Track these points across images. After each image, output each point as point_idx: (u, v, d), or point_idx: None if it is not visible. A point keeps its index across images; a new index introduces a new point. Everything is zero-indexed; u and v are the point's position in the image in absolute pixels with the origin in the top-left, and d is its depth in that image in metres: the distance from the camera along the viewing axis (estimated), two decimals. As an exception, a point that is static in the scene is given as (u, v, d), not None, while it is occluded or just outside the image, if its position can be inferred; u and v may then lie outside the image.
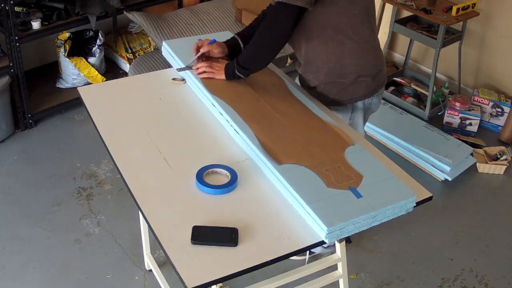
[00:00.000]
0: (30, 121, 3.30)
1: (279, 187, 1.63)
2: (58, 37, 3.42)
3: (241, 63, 1.96)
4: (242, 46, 2.10)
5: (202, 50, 2.08)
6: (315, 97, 2.05)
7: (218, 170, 1.67)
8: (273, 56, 1.95)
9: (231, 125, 1.83)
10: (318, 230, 1.48)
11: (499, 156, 3.28)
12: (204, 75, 2.01)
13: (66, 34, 3.40)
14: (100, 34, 3.50)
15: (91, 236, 2.64)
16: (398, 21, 3.71)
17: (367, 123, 3.42)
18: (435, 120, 3.61)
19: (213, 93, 1.95)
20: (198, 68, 2.03)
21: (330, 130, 1.84)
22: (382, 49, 3.86)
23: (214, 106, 1.92)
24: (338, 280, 2.07)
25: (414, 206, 1.61)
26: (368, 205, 1.52)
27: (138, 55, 3.72)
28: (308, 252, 2.37)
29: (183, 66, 2.11)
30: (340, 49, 1.95)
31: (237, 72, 1.97)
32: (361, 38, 1.96)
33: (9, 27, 2.99)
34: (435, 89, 3.62)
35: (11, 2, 2.91)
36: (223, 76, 2.00)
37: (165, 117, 1.93)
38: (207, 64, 2.02)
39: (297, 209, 1.56)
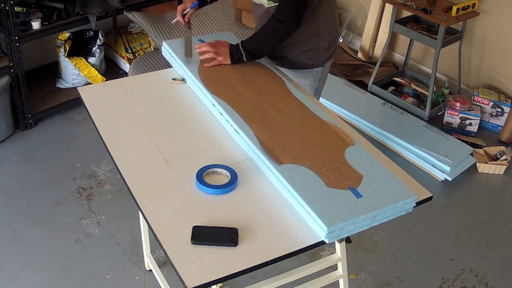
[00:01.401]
0: (30, 121, 3.30)
1: (279, 187, 1.63)
2: (58, 37, 3.42)
3: (251, 51, 2.11)
4: None
5: (183, 14, 2.26)
6: (286, 64, 2.28)
7: (218, 170, 1.67)
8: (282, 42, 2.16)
9: (231, 125, 1.83)
10: (318, 230, 1.48)
11: (499, 156, 3.28)
12: (212, 63, 2.09)
13: (66, 34, 3.40)
14: (100, 34, 3.50)
15: (91, 236, 2.64)
16: (398, 21, 3.71)
17: (367, 123, 3.44)
18: (435, 120, 3.61)
19: (213, 93, 1.95)
20: (203, 55, 2.12)
21: (330, 130, 1.84)
22: (382, 49, 3.89)
23: (214, 106, 1.92)
24: (338, 280, 2.07)
25: (414, 206, 1.61)
26: (368, 205, 1.52)
27: (138, 55, 3.72)
28: None
29: (182, 64, 2.11)
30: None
31: (244, 59, 2.11)
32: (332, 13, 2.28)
33: (9, 27, 2.99)
34: (435, 89, 3.62)
35: (11, 2, 2.91)
36: (229, 61, 2.11)
37: (165, 117, 1.93)
38: (212, 50, 2.09)
39: (297, 209, 1.56)
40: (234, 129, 1.81)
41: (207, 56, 2.09)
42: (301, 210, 1.54)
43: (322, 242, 1.48)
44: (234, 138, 1.83)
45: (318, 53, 2.28)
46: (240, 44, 2.11)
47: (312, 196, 1.53)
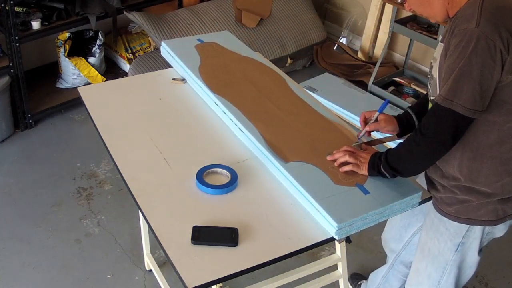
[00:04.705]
0: (30, 121, 3.30)
1: (287, 185, 1.63)
2: (58, 37, 3.42)
3: (390, 162, 1.58)
4: (416, 122, 1.77)
5: (367, 129, 1.76)
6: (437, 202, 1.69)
7: (218, 170, 1.67)
8: (432, 164, 1.62)
9: (235, 124, 1.83)
10: (327, 226, 1.50)
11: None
12: (347, 168, 1.64)
13: (66, 34, 3.40)
14: (100, 34, 3.50)
15: (91, 236, 2.64)
16: (398, 21, 3.70)
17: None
18: (435, 120, 3.60)
19: (216, 92, 1.95)
20: (338, 159, 1.67)
21: (333, 127, 1.85)
22: (382, 49, 3.89)
23: (217, 105, 1.92)
24: (338, 280, 2.07)
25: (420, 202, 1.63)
26: (375, 201, 1.54)
27: (138, 55, 3.72)
28: None
29: (183, 64, 2.11)
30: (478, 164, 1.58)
31: (382, 170, 1.60)
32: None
33: (9, 27, 2.99)
34: (435, 89, 3.61)
35: (11, 2, 2.91)
36: (365, 172, 1.63)
37: (165, 117, 1.93)
38: (350, 153, 1.66)
39: (305, 207, 1.57)
40: (239, 128, 1.81)
41: (341, 160, 1.65)
42: (310, 208, 1.55)
43: (323, 242, 1.49)
44: (235, 138, 1.83)
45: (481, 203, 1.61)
46: (386, 151, 1.63)
47: (321, 193, 1.55)
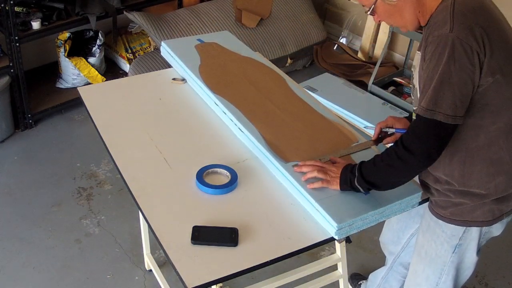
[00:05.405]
0: (30, 121, 3.30)
1: (287, 185, 1.63)
2: (58, 37, 3.42)
3: (365, 176, 1.51)
4: None
5: (380, 126, 1.76)
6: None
7: (218, 170, 1.67)
8: (415, 176, 1.57)
9: (235, 124, 1.83)
10: (327, 227, 1.50)
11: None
12: (316, 185, 1.56)
13: (66, 34, 3.40)
14: (100, 34, 3.50)
15: (91, 236, 2.64)
16: (398, 21, 3.70)
17: (367, 123, 3.43)
18: (435, 120, 3.60)
19: (216, 92, 1.95)
20: (306, 174, 1.60)
21: (333, 127, 1.85)
22: (382, 49, 3.89)
23: (217, 105, 1.92)
24: (338, 280, 2.07)
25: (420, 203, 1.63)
26: (375, 201, 1.54)
27: (138, 55, 3.72)
28: None
29: (183, 64, 2.11)
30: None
31: (356, 184, 1.53)
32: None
33: (9, 27, 2.99)
34: (435, 89, 3.61)
35: (11, 2, 2.91)
36: (337, 186, 1.56)
37: (165, 117, 1.93)
38: (319, 168, 1.60)
39: (305, 207, 1.57)
40: (239, 128, 1.82)
41: (309, 176, 1.59)
42: (309, 208, 1.55)
43: (323, 242, 1.49)
44: (235, 138, 1.83)
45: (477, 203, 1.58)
46: (359, 164, 1.55)
47: (321, 193, 1.55)
